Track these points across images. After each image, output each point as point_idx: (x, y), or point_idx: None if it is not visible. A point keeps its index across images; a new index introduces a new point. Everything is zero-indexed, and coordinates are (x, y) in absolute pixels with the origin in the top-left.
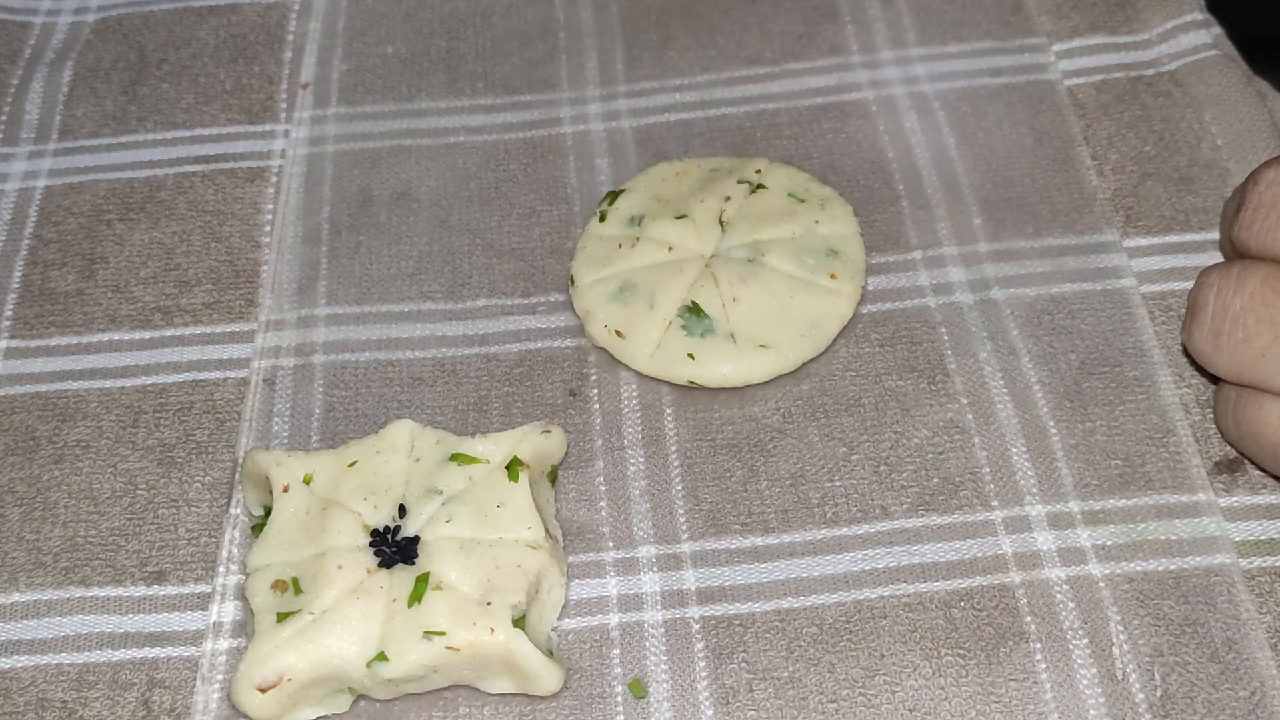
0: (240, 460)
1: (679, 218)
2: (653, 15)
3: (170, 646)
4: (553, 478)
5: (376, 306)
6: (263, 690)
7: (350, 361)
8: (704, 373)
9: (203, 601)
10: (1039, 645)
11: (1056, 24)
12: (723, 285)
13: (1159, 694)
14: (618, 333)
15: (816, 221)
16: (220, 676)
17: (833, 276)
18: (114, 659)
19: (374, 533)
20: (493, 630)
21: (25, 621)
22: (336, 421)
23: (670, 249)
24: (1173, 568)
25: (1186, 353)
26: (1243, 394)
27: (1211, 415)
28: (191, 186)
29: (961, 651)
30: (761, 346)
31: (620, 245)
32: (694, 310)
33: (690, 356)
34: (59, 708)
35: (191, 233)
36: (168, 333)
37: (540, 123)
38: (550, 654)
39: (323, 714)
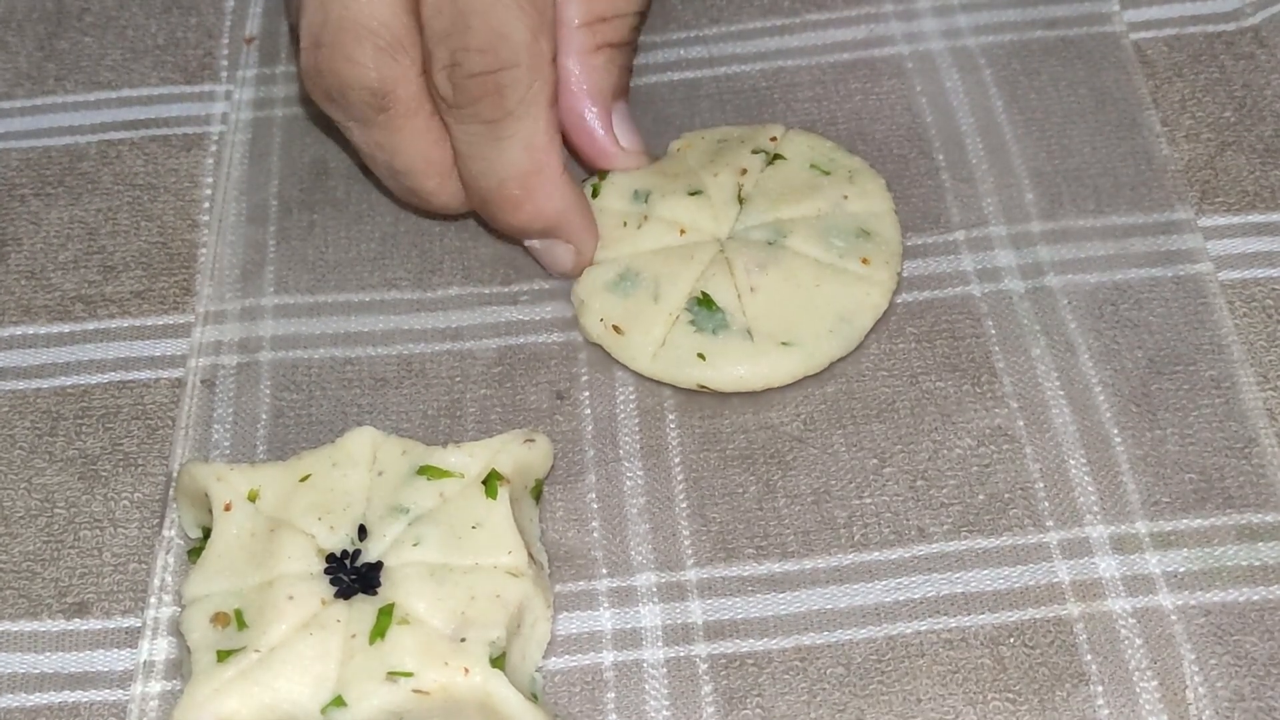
0: (174, 474)
1: (693, 194)
2: None
3: (94, 689)
4: (537, 494)
5: (333, 296)
6: None
7: (302, 359)
8: (716, 375)
9: (131, 638)
10: (1101, 689)
11: None
12: (738, 273)
13: None
14: (615, 328)
15: (845, 197)
16: None
17: (864, 261)
18: (29, 704)
19: (330, 558)
20: (467, 671)
21: None
22: (286, 429)
23: (683, 231)
24: (1255, 598)
25: None
26: None
27: None
28: (118, 156)
29: (1011, 696)
30: (783, 344)
31: (625, 224)
32: (704, 302)
33: (700, 356)
34: None
35: (118, 210)
36: (90, 326)
37: None
38: (534, 698)
39: None
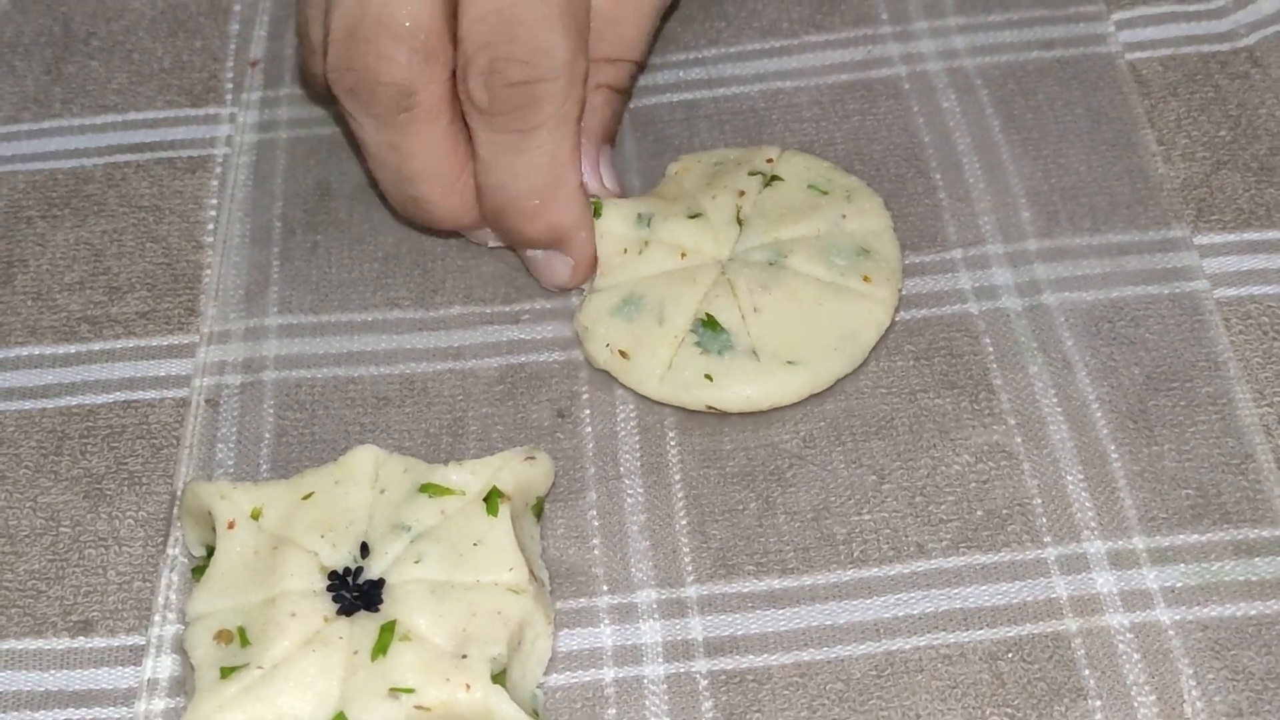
0: (179, 492)
1: (692, 216)
2: None
3: (98, 707)
4: (538, 511)
5: (335, 316)
6: None
7: (305, 379)
8: (724, 396)
9: (135, 655)
10: (1099, 703)
11: None
12: (741, 293)
13: None
14: (621, 352)
15: (844, 216)
16: None
17: (866, 279)
18: None
19: (332, 575)
20: (469, 687)
21: None
22: (289, 448)
23: (684, 254)
24: (1253, 613)
25: None
26: None
27: None
28: (124, 178)
29: (1010, 711)
30: (789, 363)
31: (625, 250)
32: (709, 324)
33: (707, 378)
34: None
35: (124, 232)
36: (96, 346)
37: None
38: (535, 714)
39: None
